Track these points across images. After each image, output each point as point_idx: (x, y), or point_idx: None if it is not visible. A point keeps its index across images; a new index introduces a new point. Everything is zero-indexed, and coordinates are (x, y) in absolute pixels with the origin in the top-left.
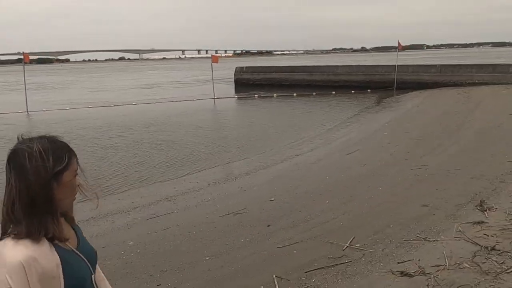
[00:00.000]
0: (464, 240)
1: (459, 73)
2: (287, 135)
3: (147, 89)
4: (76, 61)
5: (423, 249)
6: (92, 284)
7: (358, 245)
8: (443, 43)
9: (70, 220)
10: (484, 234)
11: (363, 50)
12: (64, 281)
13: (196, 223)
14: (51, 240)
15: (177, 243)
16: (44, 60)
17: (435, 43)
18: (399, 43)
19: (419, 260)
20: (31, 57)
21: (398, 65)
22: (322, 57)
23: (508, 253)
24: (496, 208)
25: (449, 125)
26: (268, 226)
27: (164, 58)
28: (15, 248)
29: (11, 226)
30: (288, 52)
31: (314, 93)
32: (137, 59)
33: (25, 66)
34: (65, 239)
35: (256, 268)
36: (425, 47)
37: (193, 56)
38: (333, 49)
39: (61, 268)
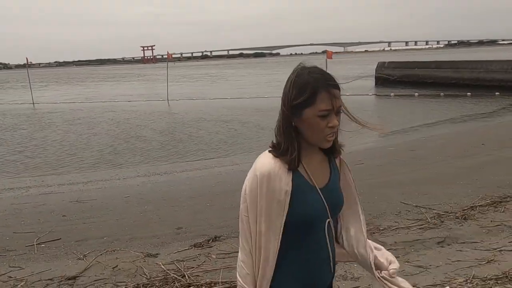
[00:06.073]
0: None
1: None
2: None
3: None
4: (285, 55)
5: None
6: (325, 228)
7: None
8: None
9: (331, 154)
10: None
11: None
12: (290, 208)
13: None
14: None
15: None
16: (259, 54)
17: None
18: None
19: None
20: (248, 52)
21: None
22: None
23: None
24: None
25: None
26: (65, 217)
27: (366, 50)
28: (263, 161)
29: (276, 140)
30: None
31: (442, 93)
32: (341, 52)
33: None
34: (295, 167)
35: None
36: None
37: (398, 48)
38: None
39: (289, 197)
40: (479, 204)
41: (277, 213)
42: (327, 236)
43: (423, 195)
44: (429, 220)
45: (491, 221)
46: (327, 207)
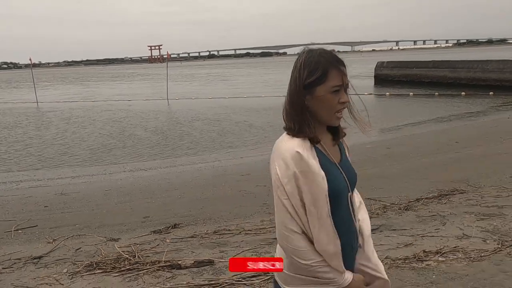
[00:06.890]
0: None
1: None
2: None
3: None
4: (292, 54)
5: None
6: (347, 201)
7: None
8: None
9: (337, 135)
10: None
11: None
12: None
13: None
14: (312, 142)
15: None
16: (266, 53)
17: None
18: None
19: None
20: (255, 51)
21: None
22: None
23: None
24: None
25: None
26: (47, 207)
27: (373, 50)
28: (288, 145)
29: (287, 124)
30: None
31: (436, 93)
32: (348, 51)
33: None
34: (317, 141)
35: None
36: None
37: (406, 47)
38: None
39: (323, 171)
40: (426, 196)
41: (321, 188)
42: (351, 209)
43: (379, 188)
44: (374, 210)
45: (429, 211)
46: (346, 180)
